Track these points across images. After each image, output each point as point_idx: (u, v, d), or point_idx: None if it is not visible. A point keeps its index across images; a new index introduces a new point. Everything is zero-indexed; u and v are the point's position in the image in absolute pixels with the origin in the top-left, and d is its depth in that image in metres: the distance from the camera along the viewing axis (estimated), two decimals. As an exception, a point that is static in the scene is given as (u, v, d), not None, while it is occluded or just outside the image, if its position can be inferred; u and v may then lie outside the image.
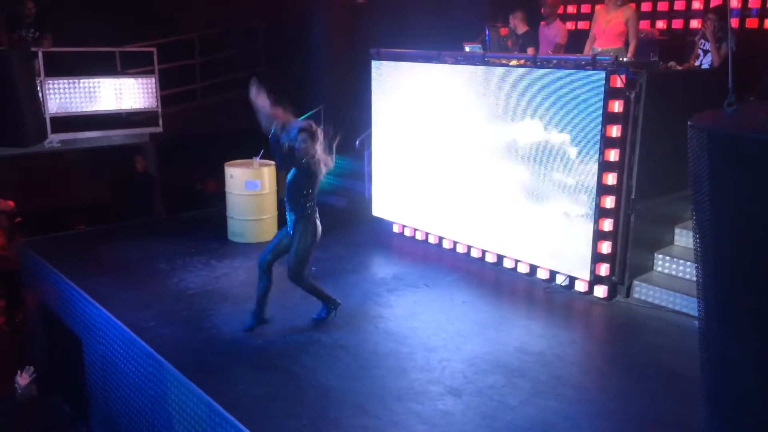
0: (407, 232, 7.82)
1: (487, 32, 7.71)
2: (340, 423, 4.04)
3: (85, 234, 8.51)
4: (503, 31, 7.81)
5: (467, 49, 7.12)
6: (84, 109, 8.86)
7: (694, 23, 7.75)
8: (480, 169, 6.66)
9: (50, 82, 8.50)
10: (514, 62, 6.49)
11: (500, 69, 6.45)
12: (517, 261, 6.57)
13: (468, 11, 8.89)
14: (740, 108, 2.18)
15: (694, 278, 2.28)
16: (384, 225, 8.04)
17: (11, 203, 9.57)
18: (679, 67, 6.42)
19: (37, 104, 8.25)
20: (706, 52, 6.63)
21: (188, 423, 4.51)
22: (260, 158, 7.71)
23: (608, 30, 6.68)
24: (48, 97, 8.48)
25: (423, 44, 7.64)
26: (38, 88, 8.27)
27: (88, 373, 6.11)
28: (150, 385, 4.98)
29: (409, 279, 6.41)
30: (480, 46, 7.32)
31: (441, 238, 7.39)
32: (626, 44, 6.74)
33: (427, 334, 5.26)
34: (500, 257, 6.75)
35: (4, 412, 4.28)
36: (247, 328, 5.23)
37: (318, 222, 5.16)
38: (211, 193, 10.06)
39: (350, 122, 9.35)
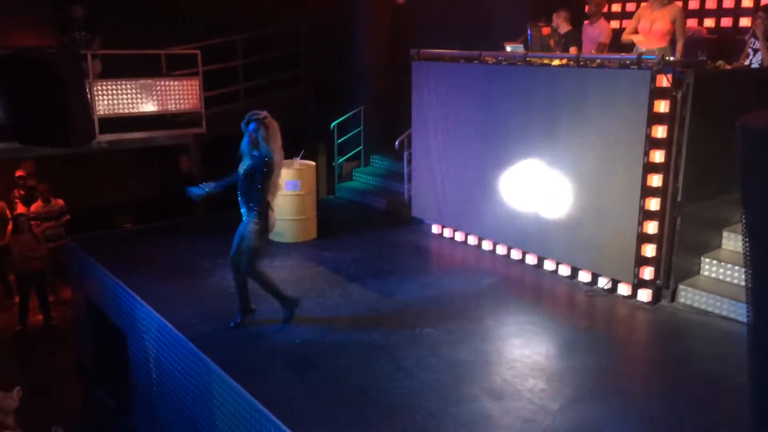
0: (446, 233, 7.79)
1: (529, 32, 7.63)
2: (377, 424, 4.04)
3: (130, 232, 8.71)
4: (545, 30, 7.72)
5: (508, 48, 7.06)
6: (130, 111, 9.07)
7: (744, 21, 7.54)
8: (520, 169, 6.59)
9: (98, 83, 8.73)
10: (556, 62, 6.41)
11: (542, 69, 6.37)
12: (558, 263, 6.49)
13: (510, 11, 8.82)
14: (793, 108, 2.12)
15: (743, 283, 2.22)
16: (423, 226, 8.03)
17: (61, 201, 9.88)
18: (728, 66, 6.26)
19: (85, 105, 8.46)
20: (756, 50, 6.45)
21: (229, 419, 4.57)
22: (300, 159, 7.79)
23: (655, 29, 6.55)
24: (96, 98, 8.70)
25: (464, 44, 7.60)
26: (87, 90, 8.49)
27: (132, 368, 6.25)
28: (192, 381, 5.07)
29: (449, 280, 6.39)
30: (521, 45, 7.25)
31: (480, 240, 7.34)
32: (672, 43, 6.60)
33: (465, 337, 5.23)
34: (541, 259, 6.68)
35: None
36: (234, 323, 5.36)
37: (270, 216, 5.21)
38: None
39: (390, 123, 9.39)
